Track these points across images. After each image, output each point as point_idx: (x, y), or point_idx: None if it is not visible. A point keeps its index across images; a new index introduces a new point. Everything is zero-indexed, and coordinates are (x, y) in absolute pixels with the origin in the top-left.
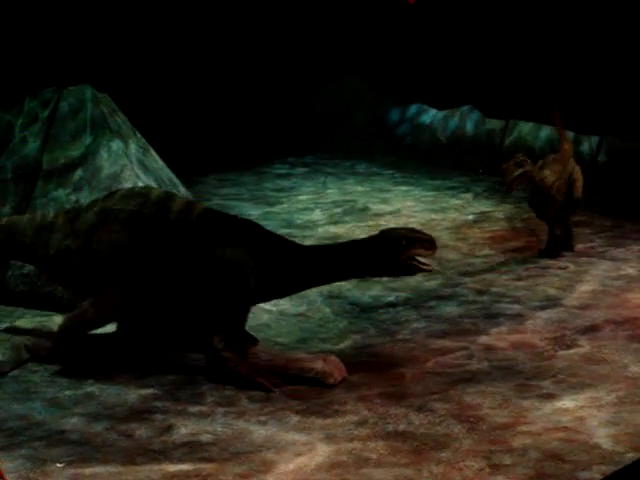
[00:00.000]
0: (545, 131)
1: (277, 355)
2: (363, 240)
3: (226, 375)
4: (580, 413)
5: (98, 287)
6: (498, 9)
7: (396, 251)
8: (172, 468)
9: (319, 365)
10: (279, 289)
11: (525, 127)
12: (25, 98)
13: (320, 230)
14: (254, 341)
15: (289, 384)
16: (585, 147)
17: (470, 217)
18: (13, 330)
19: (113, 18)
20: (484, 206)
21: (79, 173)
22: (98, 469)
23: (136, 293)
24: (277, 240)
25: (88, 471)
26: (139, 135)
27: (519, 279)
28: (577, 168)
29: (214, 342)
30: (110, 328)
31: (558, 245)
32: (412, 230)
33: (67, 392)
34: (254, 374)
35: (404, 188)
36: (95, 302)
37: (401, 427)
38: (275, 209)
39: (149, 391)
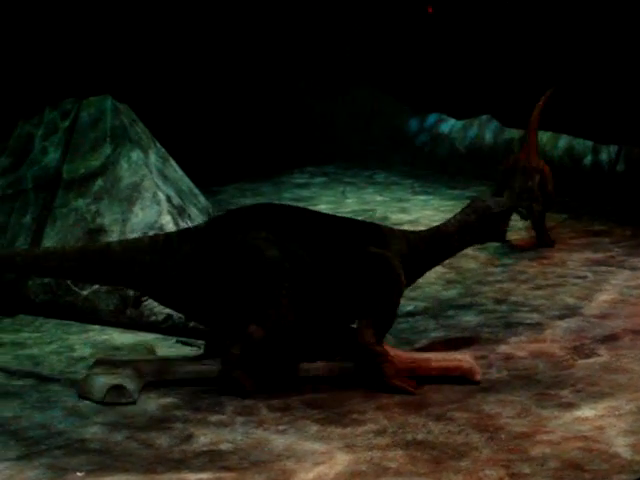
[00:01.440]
0: (563, 140)
1: (419, 356)
2: (473, 212)
3: (371, 371)
4: (599, 422)
5: (262, 307)
6: (517, 19)
7: (502, 220)
8: (192, 477)
9: (465, 363)
10: (412, 278)
11: (543, 136)
12: (45, 109)
13: None
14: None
15: (429, 383)
16: (604, 156)
17: None
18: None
19: (133, 29)
20: None
21: (99, 183)
22: (118, 478)
23: (298, 304)
24: (403, 232)
25: None
26: (159, 145)
27: (538, 288)
28: (543, 164)
29: (366, 336)
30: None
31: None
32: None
33: (87, 401)
34: (396, 376)
35: (423, 197)
36: (262, 322)
37: (420, 436)
38: None
39: (168, 400)
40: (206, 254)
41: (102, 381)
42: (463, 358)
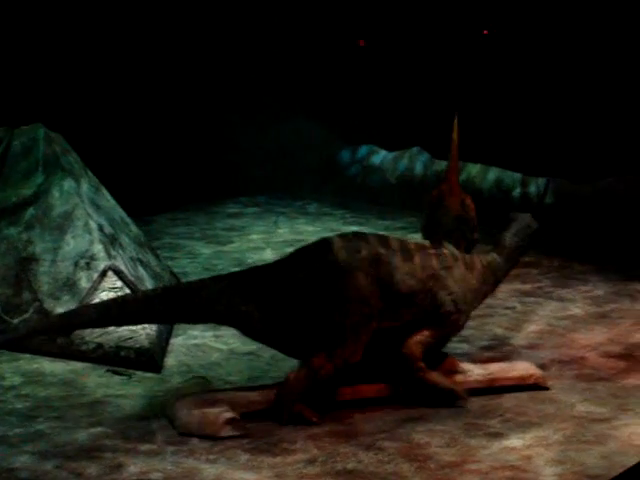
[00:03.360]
0: (493, 172)
1: (495, 367)
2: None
3: (414, 382)
4: (527, 452)
5: (338, 338)
6: (447, 52)
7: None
8: None
9: (537, 371)
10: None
11: (473, 169)
12: None
13: None
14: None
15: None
16: (532, 189)
17: None
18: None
19: (65, 59)
20: None
21: (31, 212)
22: None
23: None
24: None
25: None
26: (91, 174)
27: None
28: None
29: (414, 349)
30: None
31: None
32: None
33: (17, 430)
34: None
35: (354, 228)
36: (333, 355)
37: (350, 465)
38: (226, 248)
39: (99, 429)
40: (295, 285)
41: (217, 416)
42: (531, 366)
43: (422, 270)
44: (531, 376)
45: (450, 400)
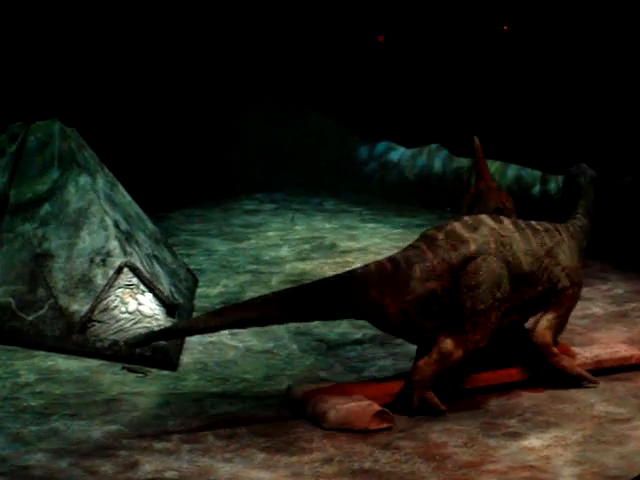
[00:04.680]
0: (512, 170)
1: (601, 350)
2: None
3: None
4: (546, 452)
5: (468, 323)
6: (467, 48)
7: None
8: None
9: (637, 351)
10: None
11: (492, 166)
12: None
13: (288, 267)
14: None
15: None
16: (552, 186)
17: None
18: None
19: (82, 54)
20: None
21: (46, 208)
22: None
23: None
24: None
25: None
26: (107, 170)
27: None
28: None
29: (547, 337)
30: None
31: None
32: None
33: (32, 427)
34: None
35: (372, 225)
36: (462, 339)
37: (367, 465)
38: (243, 245)
39: (114, 427)
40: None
41: (365, 409)
42: (630, 347)
43: (538, 248)
44: (632, 356)
45: (579, 383)
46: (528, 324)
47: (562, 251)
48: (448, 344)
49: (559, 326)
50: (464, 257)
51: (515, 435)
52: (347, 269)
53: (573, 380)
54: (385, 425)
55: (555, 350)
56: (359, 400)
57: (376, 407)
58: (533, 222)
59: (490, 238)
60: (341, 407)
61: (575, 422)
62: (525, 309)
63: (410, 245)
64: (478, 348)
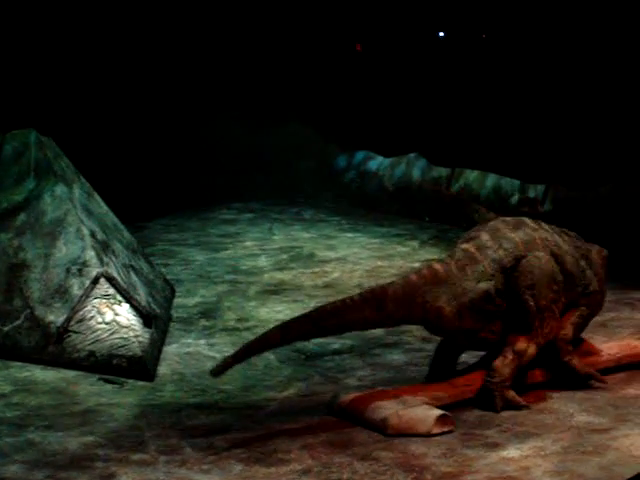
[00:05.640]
0: (491, 179)
1: (624, 344)
2: None
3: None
4: (525, 462)
5: (537, 320)
6: (445, 56)
7: None
8: None
9: None
10: None
11: (471, 175)
12: None
13: (266, 276)
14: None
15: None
16: (531, 195)
17: (416, 265)
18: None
19: (57, 63)
20: (430, 253)
21: (22, 217)
22: None
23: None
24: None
25: None
26: (83, 179)
27: None
28: None
29: (568, 331)
30: None
31: None
32: None
33: (7, 439)
34: (586, 367)
35: (350, 235)
36: (533, 336)
37: (345, 476)
38: (220, 255)
39: (90, 439)
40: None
41: (426, 413)
42: None
43: (575, 250)
44: None
45: (586, 383)
46: None
47: (592, 257)
48: (521, 342)
49: (581, 325)
50: (515, 257)
51: (494, 445)
52: (326, 278)
53: (581, 380)
54: (447, 429)
55: (570, 348)
56: (418, 404)
57: (438, 411)
58: (563, 229)
59: (535, 235)
60: (403, 413)
61: (554, 432)
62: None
63: (457, 248)
64: (548, 340)
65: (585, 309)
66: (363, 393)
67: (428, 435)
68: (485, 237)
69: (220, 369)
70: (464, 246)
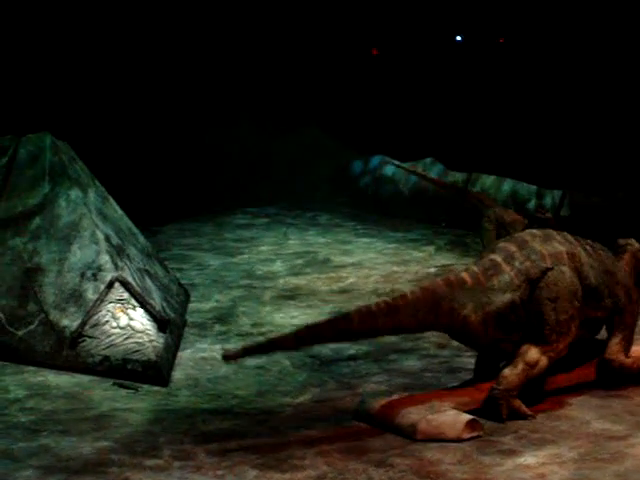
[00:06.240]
0: (508, 184)
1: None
2: None
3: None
4: (541, 469)
5: (554, 333)
6: (463, 61)
7: None
8: None
9: None
10: None
11: (487, 180)
12: None
13: (281, 281)
14: None
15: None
16: (548, 200)
17: (432, 270)
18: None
19: (74, 68)
20: (446, 259)
21: (37, 222)
22: None
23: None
24: None
25: None
26: (98, 184)
27: None
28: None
29: (622, 359)
30: None
31: None
32: None
33: (21, 444)
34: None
35: (366, 240)
36: (547, 349)
37: None
38: (235, 260)
39: (105, 444)
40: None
41: (455, 418)
42: None
43: (600, 263)
44: None
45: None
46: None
47: (618, 269)
48: (533, 354)
49: (628, 345)
50: (542, 269)
51: (510, 453)
52: (341, 284)
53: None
54: (476, 433)
55: (631, 363)
56: (446, 410)
57: (467, 416)
58: (589, 240)
59: (562, 249)
60: (432, 418)
61: (571, 439)
62: (592, 326)
63: (484, 258)
64: (560, 357)
65: (623, 329)
66: (391, 399)
67: (458, 440)
68: (513, 248)
69: (234, 355)
70: (492, 256)
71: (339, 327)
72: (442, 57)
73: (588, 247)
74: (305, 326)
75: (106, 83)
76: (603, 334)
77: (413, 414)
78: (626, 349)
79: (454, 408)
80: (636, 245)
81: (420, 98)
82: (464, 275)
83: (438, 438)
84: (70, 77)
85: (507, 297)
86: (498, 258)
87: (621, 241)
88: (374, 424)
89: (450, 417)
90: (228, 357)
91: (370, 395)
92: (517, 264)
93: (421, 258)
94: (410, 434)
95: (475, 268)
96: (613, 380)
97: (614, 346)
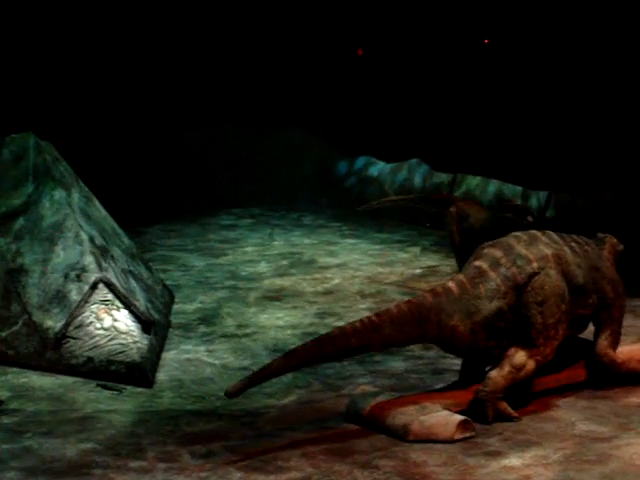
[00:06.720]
0: (493, 185)
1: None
2: None
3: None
4: (526, 471)
5: (541, 337)
6: (448, 61)
7: None
8: None
9: None
10: None
11: (473, 181)
12: None
13: (266, 282)
14: None
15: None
16: (534, 202)
17: (417, 271)
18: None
19: (57, 68)
20: (431, 260)
21: (21, 222)
22: None
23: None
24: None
25: None
26: (82, 184)
27: None
28: None
29: (609, 349)
30: None
31: None
32: None
33: (5, 445)
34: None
35: (351, 241)
36: (534, 352)
37: None
38: (220, 260)
39: (88, 445)
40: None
41: (448, 419)
42: None
43: (585, 260)
44: None
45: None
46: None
47: (603, 262)
48: (521, 357)
49: (616, 339)
50: (528, 274)
51: (495, 454)
52: (326, 284)
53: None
54: (468, 434)
55: (619, 359)
56: (438, 410)
57: (459, 417)
58: (574, 235)
59: (547, 252)
60: (424, 419)
61: (556, 441)
62: (579, 324)
63: (469, 265)
64: (547, 360)
65: (611, 324)
66: (382, 400)
67: (450, 441)
68: (498, 254)
69: (236, 390)
70: (477, 263)
71: (325, 348)
72: (426, 57)
73: (574, 244)
74: (292, 350)
75: (90, 83)
76: (589, 333)
77: (405, 415)
78: (614, 343)
79: (446, 409)
80: (614, 239)
81: (406, 99)
82: (451, 285)
83: (430, 439)
84: (54, 77)
85: (494, 305)
86: (484, 265)
87: (600, 234)
88: (365, 425)
89: (442, 418)
90: (232, 394)
91: (360, 396)
92: (503, 270)
93: (406, 259)
94: (402, 435)
95: (461, 277)
96: (603, 377)
97: (603, 341)
